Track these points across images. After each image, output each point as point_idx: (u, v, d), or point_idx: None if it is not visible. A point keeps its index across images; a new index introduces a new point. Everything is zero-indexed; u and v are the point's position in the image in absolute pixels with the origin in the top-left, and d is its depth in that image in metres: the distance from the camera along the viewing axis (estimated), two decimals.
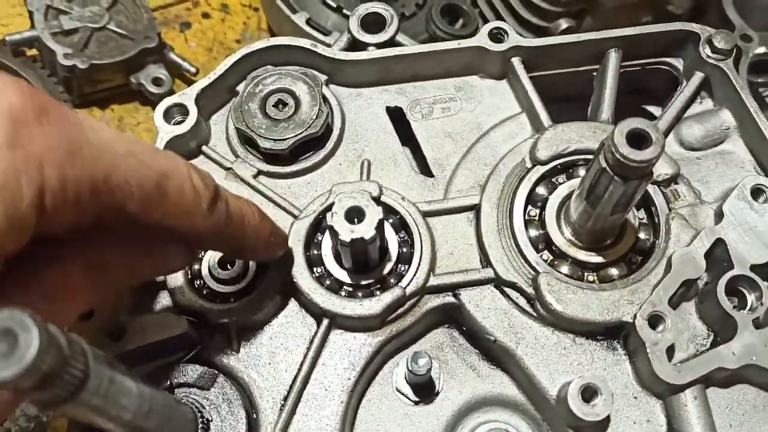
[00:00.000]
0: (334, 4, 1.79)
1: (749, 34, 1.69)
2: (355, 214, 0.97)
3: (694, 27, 1.22)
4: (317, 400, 1.04)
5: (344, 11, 1.78)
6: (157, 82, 1.78)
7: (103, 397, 0.64)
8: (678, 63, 1.28)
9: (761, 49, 1.70)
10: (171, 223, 0.77)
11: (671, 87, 1.27)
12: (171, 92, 1.75)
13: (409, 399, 1.10)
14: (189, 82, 1.80)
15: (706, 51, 1.21)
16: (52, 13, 1.76)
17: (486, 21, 1.79)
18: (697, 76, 1.23)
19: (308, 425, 1.03)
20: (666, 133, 1.21)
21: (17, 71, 1.72)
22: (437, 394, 1.11)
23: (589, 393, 0.98)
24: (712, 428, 1.00)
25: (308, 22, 1.78)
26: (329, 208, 1.01)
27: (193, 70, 1.84)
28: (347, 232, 0.96)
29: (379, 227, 0.98)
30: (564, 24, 1.76)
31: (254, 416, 1.03)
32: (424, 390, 1.10)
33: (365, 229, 0.96)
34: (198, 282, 1.09)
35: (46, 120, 0.63)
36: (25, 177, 0.61)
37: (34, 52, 1.81)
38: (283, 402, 1.04)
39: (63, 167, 0.63)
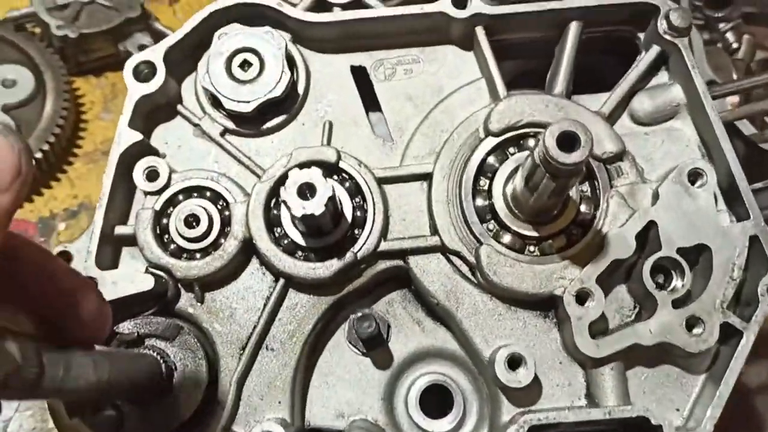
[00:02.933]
0: None
1: None
2: (306, 190, 1.04)
3: (654, 0, 1.22)
4: (273, 351, 1.15)
5: None
6: (142, 48, 1.82)
7: (62, 382, 0.73)
8: (640, 34, 1.28)
9: None
10: None
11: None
12: None
13: (358, 350, 1.21)
14: None
15: (663, 26, 1.21)
16: None
17: None
18: (654, 49, 1.24)
19: (264, 373, 1.14)
20: (620, 105, 1.24)
21: (18, 45, 1.85)
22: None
23: (515, 361, 1.08)
24: (626, 398, 1.10)
25: None
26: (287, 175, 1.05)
27: None
28: (299, 208, 1.03)
29: (330, 202, 1.04)
30: None
31: (215, 364, 1.14)
32: (373, 342, 1.21)
33: (315, 207, 1.03)
34: (166, 238, 1.17)
35: None
36: None
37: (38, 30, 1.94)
38: (241, 351, 1.14)
39: None
